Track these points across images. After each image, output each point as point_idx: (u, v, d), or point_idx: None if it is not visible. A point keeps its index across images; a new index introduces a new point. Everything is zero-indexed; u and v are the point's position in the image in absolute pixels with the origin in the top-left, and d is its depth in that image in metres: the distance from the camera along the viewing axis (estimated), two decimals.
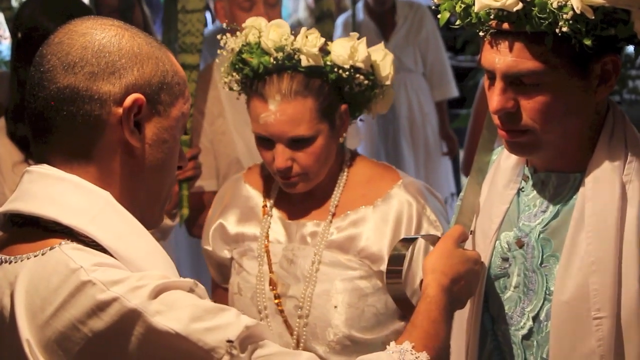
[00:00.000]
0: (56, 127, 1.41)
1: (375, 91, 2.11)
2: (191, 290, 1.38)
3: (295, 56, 2.03)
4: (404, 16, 4.94)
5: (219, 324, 1.34)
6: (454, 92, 5.04)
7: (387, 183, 2.15)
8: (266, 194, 2.21)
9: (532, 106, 1.69)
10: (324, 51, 2.04)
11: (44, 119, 1.41)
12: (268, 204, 2.20)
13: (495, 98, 1.70)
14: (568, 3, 1.59)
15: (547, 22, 1.62)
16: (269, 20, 2.12)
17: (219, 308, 1.38)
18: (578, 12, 1.57)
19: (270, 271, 2.11)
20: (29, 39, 2.58)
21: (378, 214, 2.12)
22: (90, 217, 1.39)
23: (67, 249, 1.35)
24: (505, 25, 1.67)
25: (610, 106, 1.76)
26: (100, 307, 1.29)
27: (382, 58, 2.10)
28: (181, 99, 1.47)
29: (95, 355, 1.32)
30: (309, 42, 2.02)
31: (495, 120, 1.74)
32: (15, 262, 1.39)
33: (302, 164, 2.05)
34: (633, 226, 1.66)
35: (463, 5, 1.73)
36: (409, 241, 1.88)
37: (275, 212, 2.18)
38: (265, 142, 2.05)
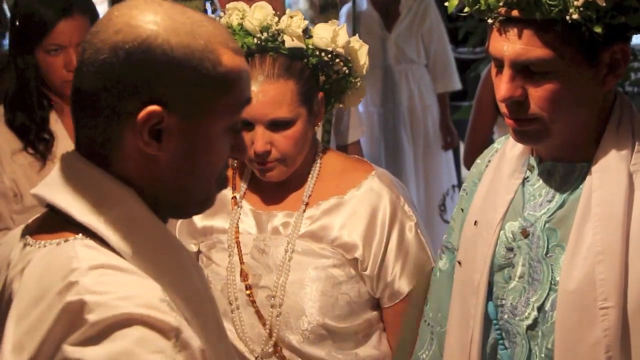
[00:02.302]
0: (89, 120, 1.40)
1: (350, 80, 2.14)
2: (173, 336, 1.31)
3: (279, 37, 2.06)
4: (408, 6, 4.96)
5: None
6: (457, 84, 5.06)
7: (361, 174, 2.18)
8: (235, 186, 2.23)
9: (540, 94, 1.69)
10: (307, 34, 2.08)
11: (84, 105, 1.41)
12: (237, 196, 2.21)
13: (503, 86, 1.71)
14: None
15: (557, 9, 1.62)
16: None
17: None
18: None
19: (241, 262, 2.11)
20: (26, 26, 2.63)
21: (351, 203, 2.14)
22: (105, 216, 1.37)
23: (78, 245, 1.35)
24: (515, 12, 1.67)
25: (618, 96, 1.77)
26: (70, 307, 1.28)
27: (359, 47, 2.13)
28: (222, 99, 1.41)
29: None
30: (294, 22, 2.05)
31: (503, 108, 1.74)
32: (33, 247, 1.40)
33: (280, 148, 2.06)
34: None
35: None
36: None
37: (245, 204, 2.20)
38: (244, 126, 2.04)
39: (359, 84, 2.16)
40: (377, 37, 4.78)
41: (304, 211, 2.15)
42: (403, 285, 2.13)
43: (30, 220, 1.48)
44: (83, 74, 1.38)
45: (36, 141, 2.64)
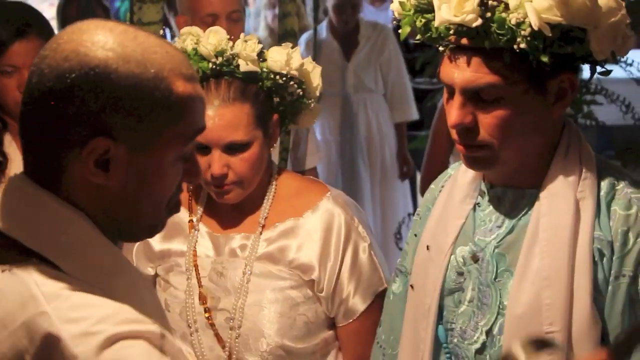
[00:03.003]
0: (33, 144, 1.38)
1: (304, 102, 2.16)
2: (158, 342, 1.31)
3: (234, 61, 2.08)
4: (367, 36, 5.05)
5: None
6: (414, 114, 5.14)
7: (316, 195, 2.20)
8: (192, 209, 2.24)
9: (490, 121, 1.70)
10: (261, 58, 2.10)
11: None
12: (194, 219, 2.22)
13: (453, 112, 1.72)
14: (526, 20, 1.62)
15: (505, 38, 1.65)
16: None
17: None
18: (536, 29, 1.61)
19: (200, 285, 2.12)
20: None
21: (307, 225, 2.16)
22: (56, 241, 1.35)
23: (34, 271, 1.32)
24: (464, 41, 1.69)
25: (566, 124, 1.79)
26: (47, 341, 1.25)
27: (312, 69, 2.16)
28: (173, 127, 1.38)
29: None
30: (248, 46, 2.08)
31: (453, 134, 1.75)
32: None
33: (237, 171, 2.08)
34: (586, 242, 1.69)
35: (423, 20, 1.76)
36: (539, 346, 1.61)
37: (202, 227, 2.20)
38: (201, 149, 2.06)
39: (312, 105, 2.18)
40: (336, 66, 4.86)
41: (261, 233, 2.15)
42: (357, 304, 2.14)
43: None
44: (30, 99, 1.35)
45: None
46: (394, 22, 1.95)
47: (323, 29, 4.94)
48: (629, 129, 4.32)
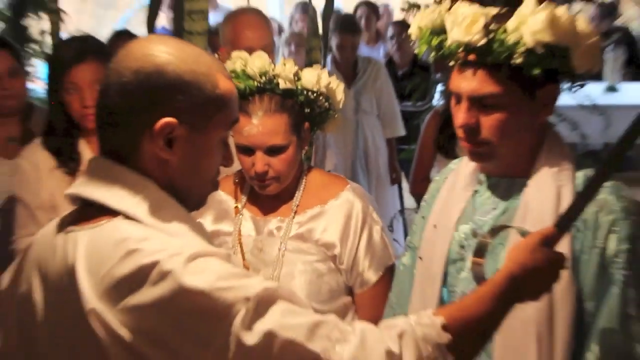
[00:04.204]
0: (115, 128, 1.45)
1: (330, 112, 2.24)
2: (226, 259, 1.37)
3: (275, 80, 2.15)
4: (363, 69, 5.14)
5: (241, 285, 1.32)
6: (402, 131, 5.19)
7: (339, 187, 2.28)
8: (237, 198, 2.30)
9: (490, 123, 1.76)
10: (297, 77, 2.17)
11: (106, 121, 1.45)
12: (239, 205, 2.28)
13: (461, 115, 1.77)
14: (521, 40, 1.68)
15: (504, 55, 1.70)
16: None
17: (245, 274, 1.38)
18: (530, 47, 1.67)
19: (243, 259, 2.19)
20: (51, 69, 2.72)
21: (331, 211, 2.24)
22: (133, 200, 1.42)
23: (121, 224, 1.39)
24: (471, 57, 1.74)
25: (549, 127, 1.85)
26: (142, 270, 1.32)
27: (337, 86, 2.24)
28: (217, 115, 1.46)
29: (135, 307, 1.33)
30: (287, 68, 2.16)
31: (460, 133, 1.80)
32: (77, 232, 1.43)
33: (276, 169, 2.14)
34: None
35: (438, 40, 1.82)
36: (497, 230, 1.74)
37: (246, 212, 2.28)
38: (246, 150, 2.14)
39: (336, 115, 2.26)
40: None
41: (293, 217, 2.23)
42: (370, 276, 2.23)
43: (60, 217, 1.51)
44: (108, 94, 1.43)
45: (67, 160, 2.71)
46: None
47: (328, 63, 4.96)
48: (574, 145, 4.37)
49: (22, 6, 4.09)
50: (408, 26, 5.33)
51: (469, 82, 1.77)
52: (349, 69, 5.18)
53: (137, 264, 1.33)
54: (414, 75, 5.77)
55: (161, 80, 1.41)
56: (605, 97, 5.15)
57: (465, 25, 1.73)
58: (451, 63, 1.81)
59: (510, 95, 1.75)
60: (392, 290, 2.13)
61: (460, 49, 1.76)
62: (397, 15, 7.25)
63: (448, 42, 1.77)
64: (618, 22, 7.38)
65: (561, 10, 1.69)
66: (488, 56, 1.73)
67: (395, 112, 5.28)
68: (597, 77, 6.09)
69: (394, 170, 5.26)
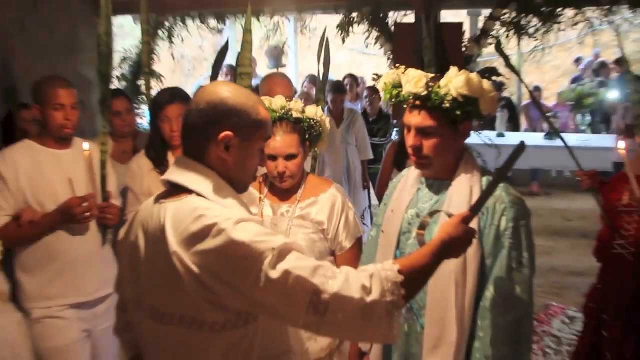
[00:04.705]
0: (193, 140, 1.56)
1: (322, 135, 2.43)
2: (260, 224, 1.47)
3: (289, 113, 2.37)
4: (347, 115, 5.77)
5: (270, 240, 1.41)
6: (371, 155, 5.88)
7: (327, 186, 2.44)
8: (261, 191, 2.45)
9: (429, 145, 1.89)
10: (303, 111, 2.39)
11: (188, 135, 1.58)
12: (262, 196, 2.44)
13: (410, 140, 1.93)
14: (449, 92, 1.81)
15: (438, 101, 1.83)
16: None
17: (272, 233, 1.46)
18: (454, 97, 1.81)
19: None
20: (152, 107, 2.95)
21: (322, 201, 2.38)
22: (204, 184, 1.50)
23: (194, 199, 1.50)
24: (417, 102, 1.89)
25: (466, 148, 1.99)
26: (206, 228, 1.41)
27: (327, 120, 2.41)
28: (258, 132, 1.55)
29: (201, 252, 1.40)
30: (296, 105, 2.39)
31: (409, 151, 1.94)
32: (167, 204, 1.52)
33: (291, 170, 2.34)
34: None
35: (396, 92, 1.94)
36: (434, 213, 1.83)
37: (266, 200, 2.43)
38: (272, 158, 2.34)
39: (325, 137, 2.49)
40: (332, 130, 5.39)
41: (297, 204, 2.39)
42: (347, 244, 2.41)
43: (156, 195, 1.61)
44: (190, 116, 1.54)
45: (160, 165, 2.90)
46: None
47: (325, 111, 5.37)
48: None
49: (137, 72, 5.17)
50: (377, 90, 5.77)
51: (416, 118, 1.92)
52: (339, 116, 5.77)
53: (203, 224, 1.43)
54: (380, 121, 6.71)
55: (224, 108, 1.52)
56: (497, 139, 6.02)
57: (414, 82, 1.88)
58: (405, 106, 1.97)
59: (442, 127, 1.89)
60: (364, 253, 2.32)
61: (411, 97, 1.91)
62: (370, 83, 8.08)
63: (403, 92, 1.93)
64: (505, 93, 9.20)
65: (473, 75, 1.87)
66: (428, 102, 1.88)
67: (367, 143, 5.86)
68: (492, 127, 8.05)
69: (366, 180, 5.86)
